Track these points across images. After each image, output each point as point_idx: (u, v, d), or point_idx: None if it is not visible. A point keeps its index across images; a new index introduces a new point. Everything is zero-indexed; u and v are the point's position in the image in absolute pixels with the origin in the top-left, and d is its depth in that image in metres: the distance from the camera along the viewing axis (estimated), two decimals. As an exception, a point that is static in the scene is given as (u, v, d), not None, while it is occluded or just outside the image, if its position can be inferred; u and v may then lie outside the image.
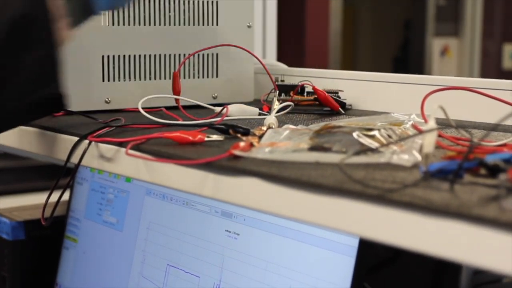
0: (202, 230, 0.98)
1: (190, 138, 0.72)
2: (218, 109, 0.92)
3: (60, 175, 0.83)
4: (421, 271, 0.95)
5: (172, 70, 1.06)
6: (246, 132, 0.74)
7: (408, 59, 4.81)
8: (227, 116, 0.89)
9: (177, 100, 0.98)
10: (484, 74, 4.49)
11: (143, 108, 0.86)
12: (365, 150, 0.62)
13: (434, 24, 4.54)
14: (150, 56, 1.05)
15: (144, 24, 1.03)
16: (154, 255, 1.05)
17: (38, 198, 1.33)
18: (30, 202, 1.30)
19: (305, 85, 1.03)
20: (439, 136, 0.71)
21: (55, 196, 0.87)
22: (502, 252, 0.44)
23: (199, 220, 0.99)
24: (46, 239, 1.20)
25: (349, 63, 4.70)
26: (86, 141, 0.79)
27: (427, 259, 0.64)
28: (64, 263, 1.20)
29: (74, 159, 0.80)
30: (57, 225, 1.16)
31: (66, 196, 0.94)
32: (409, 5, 4.82)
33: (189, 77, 1.08)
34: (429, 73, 4.42)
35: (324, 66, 3.63)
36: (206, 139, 0.72)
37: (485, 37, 4.52)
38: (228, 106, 0.91)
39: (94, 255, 1.15)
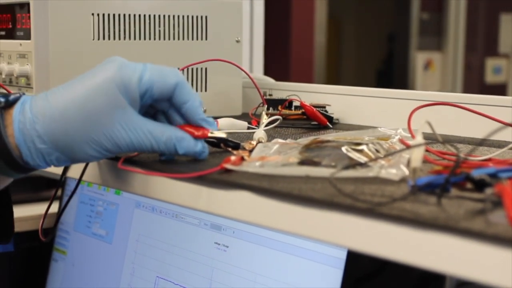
0: (192, 243, 0.99)
1: (182, 151, 0.73)
2: (207, 123, 0.93)
3: (57, 188, 0.84)
4: (406, 282, 0.96)
5: (162, 84, 1.06)
6: (237, 146, 0.75)
7: (392, 72, 4.85)
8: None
9: (167, 114, 0.99)
10: (467, 88, 4.53)
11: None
12: (354, 164, 0.64)
13: (417, 38, 4.58)
14: (140, 70, 1.06)
15: (134, 39, 1.04)
16: (143, 267, 1.06)
17: (26, 210, 1.33)
18: (18, 214, 1.29)
19: (293, 100, 1.05)
20: (426, 150, 0.72)
21: (47, 208, 0.87)
22: (489, 264, 0.46)
23: (189, 233, 1.00)
24: (35, 251, 1.20)
25: (334, 75, 4.72)
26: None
27: (411, 271, 0.66)
28: (53, 275, 1.20)
29: (67, 173, 0.81)
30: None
31: (54, 208, 0.95)
32: (393, 19, 4.87)
33: (178, 91, 1.09)
34: (412, 87, 4.46)
35: (309, 78, 3.65)
36: (197, 152, 0.73)
37: (468, 51, 4.57)
38: (218, 120, 0.92)
39: (83, 267, 1.15)
